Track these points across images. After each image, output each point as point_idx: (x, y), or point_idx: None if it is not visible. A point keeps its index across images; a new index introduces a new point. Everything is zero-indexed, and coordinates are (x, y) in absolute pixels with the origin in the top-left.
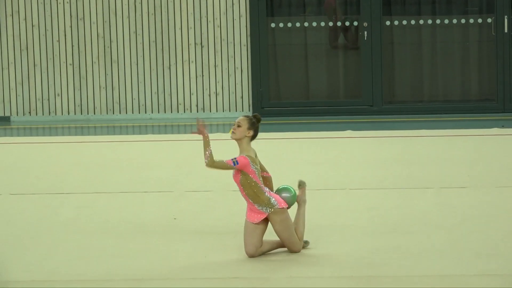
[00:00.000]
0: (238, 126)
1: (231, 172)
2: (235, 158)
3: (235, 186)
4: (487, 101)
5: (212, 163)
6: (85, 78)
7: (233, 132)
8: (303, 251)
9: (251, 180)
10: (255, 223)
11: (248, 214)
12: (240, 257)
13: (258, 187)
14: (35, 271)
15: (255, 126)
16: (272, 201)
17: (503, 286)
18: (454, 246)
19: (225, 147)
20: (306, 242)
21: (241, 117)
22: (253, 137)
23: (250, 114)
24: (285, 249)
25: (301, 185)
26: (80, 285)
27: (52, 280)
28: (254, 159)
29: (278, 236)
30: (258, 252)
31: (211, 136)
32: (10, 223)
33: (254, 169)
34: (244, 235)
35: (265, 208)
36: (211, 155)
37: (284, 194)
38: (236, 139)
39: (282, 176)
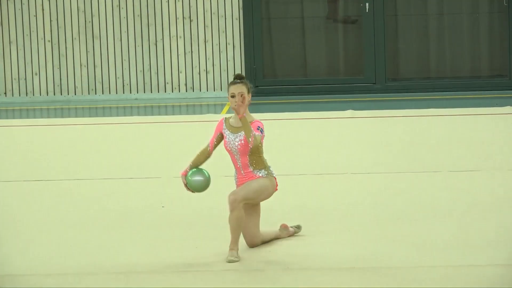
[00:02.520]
0: (242, 96)
1: (223, 154)
2: (259, 127)
3: (227, 171)
4: (499, 77)
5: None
6: (65, 55)
7: (240, 106)
8: (300, 240)
9: (261, 144)
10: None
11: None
12: None
13: (261, 149)
14: (11, 265)
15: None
16: (268, 165)
17: None
18: (463, 234)
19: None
20: (299, 227)
21: (237, 85)
22: None
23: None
24: (283, 239)
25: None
26: (60, 279)
27: (30, 274)
28: None
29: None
30: (259, 241)
31: (201, 117)
32: None
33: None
34: None
35: (262, 171)
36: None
37: (197, 178)
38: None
39: (279, 161)
